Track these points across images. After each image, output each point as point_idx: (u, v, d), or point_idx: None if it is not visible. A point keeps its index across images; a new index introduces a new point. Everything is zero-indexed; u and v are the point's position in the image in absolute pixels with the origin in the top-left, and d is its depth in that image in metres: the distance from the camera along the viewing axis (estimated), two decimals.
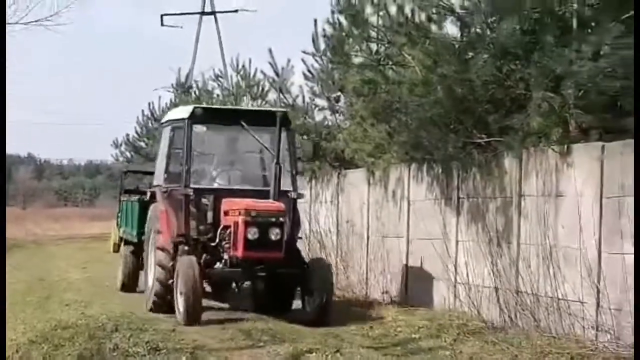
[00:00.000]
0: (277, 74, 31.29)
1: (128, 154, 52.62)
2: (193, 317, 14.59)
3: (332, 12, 19.30)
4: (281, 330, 14.69)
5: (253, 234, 14.65)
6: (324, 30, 21.33)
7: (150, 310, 16.24)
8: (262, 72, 34.65)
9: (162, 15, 62.59)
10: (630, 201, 12.54)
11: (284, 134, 16.49)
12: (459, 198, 16.98)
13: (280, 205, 15.67)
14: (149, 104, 49.64)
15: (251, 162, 17.62)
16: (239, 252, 14.85)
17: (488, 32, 15.15)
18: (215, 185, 16.51)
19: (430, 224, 18.07)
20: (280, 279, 16.03)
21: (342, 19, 19.09)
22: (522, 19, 14.60)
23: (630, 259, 12.47)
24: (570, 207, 13.83)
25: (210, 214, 15.77)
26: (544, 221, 14.22)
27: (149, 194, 18.11)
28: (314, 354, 12.65)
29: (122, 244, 22.07)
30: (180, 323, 14.75)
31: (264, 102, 33.81)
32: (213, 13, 59.03)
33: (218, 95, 40.19)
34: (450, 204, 17.28)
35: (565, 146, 14.16)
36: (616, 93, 13.84)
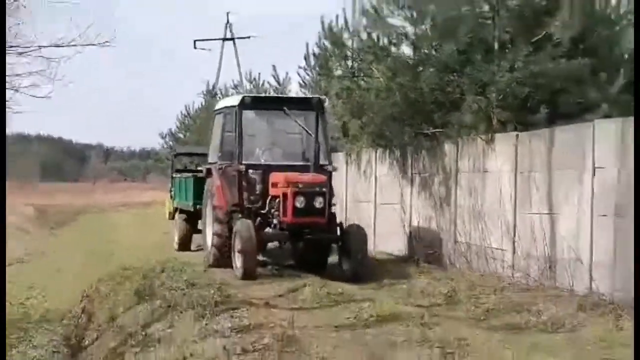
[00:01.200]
0: (278, 84, 32.04)
1: (170, 143, 52.60)
2: (249, 272, 13.28)
3: (319, 37, 19.43)
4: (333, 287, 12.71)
5: (300, 202, 13.41)
6: (313, 50, 21.65)
7: (210, 266, 14.93)
8: (268, 82, 35.17)
9: (194, 41, 62.12)
10: (536, 175, 12.77)
11: (320, 117, 15.13)
12: (412, 174, 17.00)
13: (322, 177, 14.30)
14: (186, 106, 49.71)
15: (291, 141, 15.81)
16: (288, 218, 13.57)
17: (433, 52, 15.27)
18: (263, 162, 14.97)
19: (391, 193, 18.05)
20: (321, 241, 14.73)
21: (326, 42, 19.09)
22: (458, 42, 14.71)
23: (536, 217, 12.74)
24: (493, 180, 14.01)
25: (259, 186, 14.33)
26: (474, 190, 14.39)
27: (204, 170, 16.46)
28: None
29: (177, 213, 20.41)
30: (237, 277, 13.47)
31: None
32: (232, 39, 58.41)
33: None
34: (406, 178, 17.28)
35: (490, 135, 14.31)
36: (526, 96, 14.05)
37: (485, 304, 11.28)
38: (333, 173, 15.43)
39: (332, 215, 14.83)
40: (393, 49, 16.41)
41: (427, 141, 16.31)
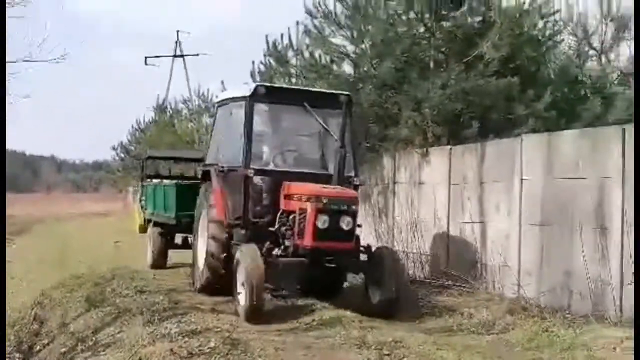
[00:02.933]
0: None
1: (122, 155, 52.41)
2: (256, 311, 10.03)
3: (264, 55, 19.30)
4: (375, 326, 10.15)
5: (323, 222, 10.32)
6: (259, 67, 21.49)
7: (199, 290, 12.00)
8: (216, 96, 35.03)
9: (145, 57, 61.98)
10: (468, 186, 12.98)
11: (347, 118, 11.58)
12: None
13: (353, 192, 11.18)
14: (136, 119, 49.52)
15: (311, 144, 12.36)
16: (308, 242, 10.39)
17: (372, 70, 15.34)
18: (275, 167, 11.65)
19: None
20: (346, 268, 11.53)
21: (271, 60, 19.06)
22: (395, 61, 14.87)
23: (468, 226, 12.95)
24: (428, 191, 14.19)
25: (269, 197, 11.22)
26: (410, 201, 14.50)
27: (200, 174, 13.28)
28: None
29: (150, 225, 17.19)
30: (240, 316, 10.20)
31: None
32: (182, 56, 58.32)
33: (185, 114, 40.09)
34: None
35: (425, 149, 14.49)
36: (458, 112, 14.28)
37: (422, 307, 11.43)
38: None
39: (357, 237, 11.46)
40: (334, 67, 16.49)
41: (367, 154, 16.24)
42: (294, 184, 10.99)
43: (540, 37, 15.13)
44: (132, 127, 50.19)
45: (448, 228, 13.70)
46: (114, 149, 55.41)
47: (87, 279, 14.70)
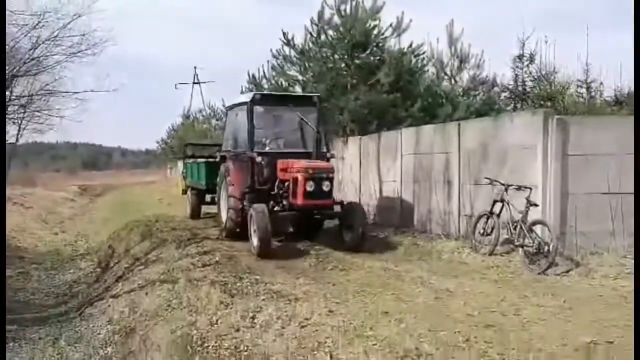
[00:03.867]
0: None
1: (162, 145, 51.73)
2: (265, 250, 9.36)
3: (247, 82, 19.24)
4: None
5: (310, 186, 9.70)
6: (243, 90, 21.31)
7: (225, 236, 11.07)
8: (223, 106, 34.77)
9: (175, 84, 61.19)
10: (372, 160, 13.27)
11: (318, 112, 10.90)
12: None
13: (330, 164, 10.54)
14: (171, 123, 48.79)
15: (296, 132, 11.50)
16: (299, 201, 9.77)
17: (314, 91, 15.40)
18: (272, 150, 10.96)
19: None
20: (326, 218, 10.86)
21: (250, 86, 18.98)
22: (327, 85, 15.06)
23: (372, 184, 13.28)
24: (348, 163, 14.45)
25: (268, 171, 10.50)
26: (340, 168, 14.66)
27: (218, 157, 12.20)
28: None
29: (189, 190, 16.04)
30: (253, 254, 9.47)
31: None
32: (199, 83, 57.15)
33: (200, 119, 39.82)
34: None
35: (345, 138, 14.74)
36: (365, 115, 14.59)
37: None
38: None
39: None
40: (290, 89, 16.57)
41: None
42: (287, 161, 10.24)
43: (414, 68, 15.39)
44: (169, 127, 49.54)
45: (360, 185, 13.84)
46: (157, 142, 54.90)
47: (141, 222, 14.80)
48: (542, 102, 15.19)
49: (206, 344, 5.46)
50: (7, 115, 17.75)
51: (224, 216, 11.38)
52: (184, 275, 7.98)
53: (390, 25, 15.17)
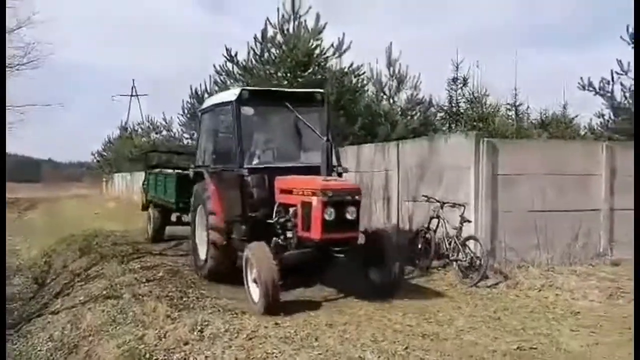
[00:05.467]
0: (165, 122, 31.08)
1: (97, 158, 50.28)
2: (273, 306, 6.76)
3: (190, 97, 19.25)
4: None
5: (330, 214, 6.96)
6: (186, 104, 21.29)
7: (206, 277, 8.67)
8: (159, 122, 34.28)
9: (112, 96, 60.11)
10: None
11: (324, 113, 7.88)
12: None
13: (355, 183, 8.40)
14: (107, 135, 47.39)
15: (296, 140, 8.85)
16: (316, 234, 7.02)
17: None
18: (267, 164, 8.26)
19: None
20: (351, 258, 7.55)
21: (194, 100, 19.00)
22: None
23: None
24: None
25: (263, 192, 7.90)
26: None
27: (191, 174, 9.64)
28: None
29: (151, 206, 13.78)
30: (257, 312, 6.80)
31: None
32: (137, 95, 56.00)
33: (139, 132, 39.00)
34: None
35: None
36: None
37: None
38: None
39: None
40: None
41: None
42: (292, 179, 7.73)
43: (355, 87, 15.87)
44: (105, 140, 48.29)
45: None
46: (92, 154, 53.29)
47: (78, 236, 14.51)
48: (474, 123, 16.08)
49: (154, 358, 5.55)
50: None
51: (202, 253, 8.86)
52: (128, 291, 8.00)
53: (332, 45, 15.68)
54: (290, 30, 15.90)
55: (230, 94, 8.48)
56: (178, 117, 25.57)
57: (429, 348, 5.51)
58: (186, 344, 5.77)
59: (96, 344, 6.32)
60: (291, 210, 7.51)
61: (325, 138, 7.61)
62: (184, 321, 6.37)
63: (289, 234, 7.52)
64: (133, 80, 58.65)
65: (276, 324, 6.26)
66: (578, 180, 9.38)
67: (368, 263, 7.79)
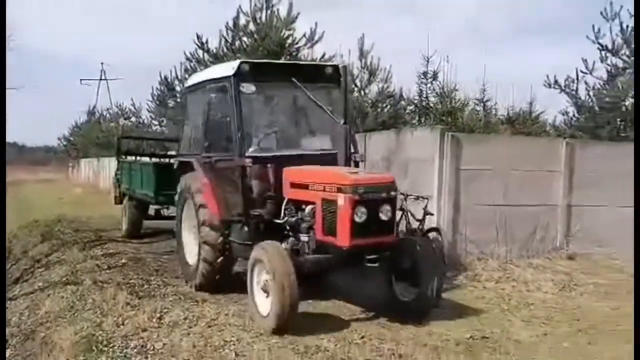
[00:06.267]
0: (135, 108, 30.70)
1: (64, 142, 49.38)
2: (289, 320, 5.56)
3: (159, 84, 19.03)
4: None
5: (361, 215, 5.64)
6: (156, 90, 21.06)
7: (198, 287, 7.19)
8: (128, 108, 33.80)
9: (80, 79, 58.81)
10: None
11: (337, 91, 6.99)
12: None
13: (390, 175, 6.26)
14: (75, 120, 46.49)
15: (306, 123, 7.53)
16: (344, 241, 5.67)
17: None
18: (274, 153, 6.82)
19: None
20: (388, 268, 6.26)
21: (164, 87, 18.81)
22: None
23: None
24: None
25: (269, 186, 6.57)
26: None
27: (175, 164, 8.23)
28: None
29: (126, 199, 12.28)
30: (266, 328, 5.65)
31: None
32: (106, 79, 55.06)
33: (107, 118, 38.34)
34: None
35: None
36: None
37: None
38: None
39: None
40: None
41: None
42: (307, 170, 6.40)
43: None
44: (72, 124, 47.38)
45: None
46: (58, 139, 52.40)
47: (41, 222, 14.30)
48: (443, 118, 16.27)
49: (112, 344, 5.55)
50: None
51: (191, 257, 7.52)
52: (88, 277, 7.97)
53: (304, 35, 15.65)
54: (263, 19, 15.82)
55: (226, 68, 6.90)
56: (147, 104, 25.26)
57: (385, 337, 5.64)
58: (144, 330, 5.80)
59: (53, 330, 6.29)
60: (307, 208, 6.11)
61: (342, 121, 6.55)
62: (144, 308, 6.38)
63: (304, 237, 6.08)
64: (102, 64, 57.42)
65: (236, 313, 6.31)
66: (539, 176, 9.61)
67: (395, 274, 6.26)
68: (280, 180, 6.55)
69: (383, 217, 5.81)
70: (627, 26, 14.50)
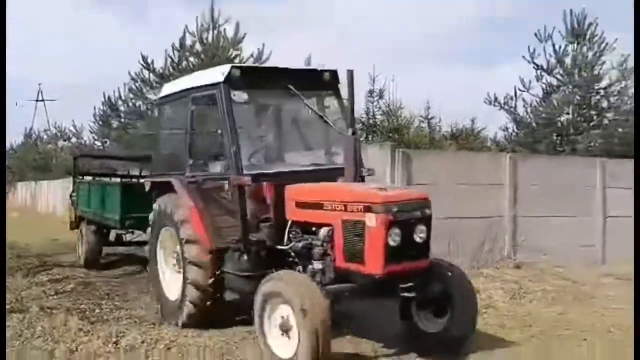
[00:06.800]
0: (76, 129, 29.89)
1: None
2: None
3: (102, 103, 18.64)
4: None
5: (396, 238, 4.74)
6: (99, 110, 20.56)
7: (182, 326, 6.21)
8: (69, 129, 32.81)
9: (16, 102, 56.67)
10: None
11: (337, 100, 6.44)
12: None
13: (423, 192, 5.33)
14: (10, 143, 44.56)
15: (305, 134, 6.68)
16: (377, 267, 4.73)
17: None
18: (274, 169, 6.03)
19: None
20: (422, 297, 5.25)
21: (106, 108, 18.47)
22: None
23: None
24: None
25: (269, 208, 5.72)
26: None
27: (146, 185, 7.17)
28: None
29: (83, 224, 11.13)
30: None
31: None
32: (43, 100, 53.13)
33: (44, 140, 37.03)
34: None
35: None
36: None
37: None
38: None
39: None
40: (149, 112, 16.45)
41: None
42: (319, 187, 5.52)
43: None
44: (7, 146, 45.48)
45: None
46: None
47: None
48: (389, 135, 16.68)
49: None
50: None
51: (170, 292, 6.57)
52: (35, 304, 7.63)
53: (252, 55, 15.81)
54: (209, 39, 15.91)
55: (214, 74, 5.97)
56: (89, 125, 24.59)
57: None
58: (100, 356, 5.61)
59: None
60: (321, 231, 5.24)
61: (351, 131, 5.76)
62: (97, 334, 6.17)
63: (317, 265, 5.20)
64: (39, 84, 55.63)
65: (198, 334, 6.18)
66: (485, 189, 9.98)
67: (417, 302, 5.40)
68: (282, 200, 5.63)
69: (417, 239, 4.98)
70: (560, 47, 15.44)
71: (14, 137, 55.96)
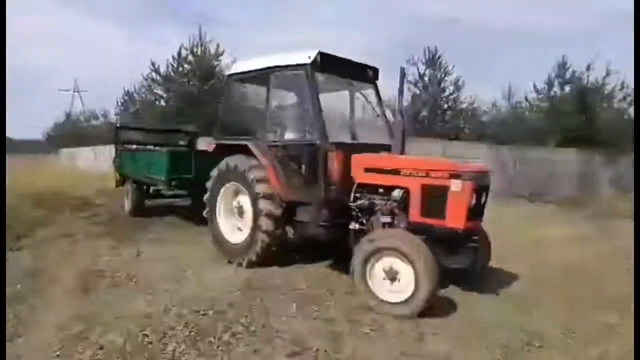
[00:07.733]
0: None
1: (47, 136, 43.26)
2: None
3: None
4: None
5: (472, 201, 4.06)
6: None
7: (246, 266, 5.07)
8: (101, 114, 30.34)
9: (59, 89, 51.48)
10: None
11: (374, 92, 5.40)
12: None
13: (487, 165, 5.14)
14: (54, 122, 40.75)
15: (364, 116, 5.42)
16: (460, 223, 4.00)
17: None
18: (344, 140, 5.08)
19: None
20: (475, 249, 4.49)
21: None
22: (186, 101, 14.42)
23: None
24: None
25: (343, 171, 4.57)
26: None
27: (209, 148, 5.57)
28: None
29: (129, 182, 9.34)
30: (403, 314, 3.74)
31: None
32: (79, 91, 48.71)
33: (81, 120, 34.25)
34: None
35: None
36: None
37: None
38: None
39: None
40: (156, 103, 15.63)
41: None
42: (397, 157, 4.81)
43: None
44: (54, 123, 41.56)
45: None
46: (45, 133, 45.18)
47: (34, 194, 12.44)
48: None
49: (104, 275, 5.24)
50: None
51: (232, 237, 5.45)
52: (80, 232, 7.32)
53: (228, 65, 15.27)
54: (198, 52, 15.39)
55: (300, 56, 4.82)
56: (113, 109, 23.04)
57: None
58: (125, 263, 5.52)
59: (58, 268, 5.76)
60: (394, 192, 4.44)
61: (400, 115, 4.97)
62: (125, 250, 6.05)
63: (385, 219, 4.43)
64: (75, 80, 51.04)
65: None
66: None
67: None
68: (348, 165, 4.74)
69: (482, 202, 4.41)
70: (421, 70, 17.40)
71: (58, 117, 51.55)
